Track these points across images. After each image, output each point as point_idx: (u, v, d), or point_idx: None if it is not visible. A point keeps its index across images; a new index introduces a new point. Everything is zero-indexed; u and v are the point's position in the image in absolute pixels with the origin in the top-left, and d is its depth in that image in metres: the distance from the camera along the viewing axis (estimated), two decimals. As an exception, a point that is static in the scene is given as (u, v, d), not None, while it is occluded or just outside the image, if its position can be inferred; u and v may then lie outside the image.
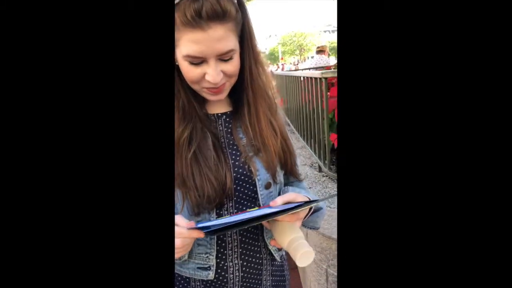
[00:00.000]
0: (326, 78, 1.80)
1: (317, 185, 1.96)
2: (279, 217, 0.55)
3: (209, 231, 0.52)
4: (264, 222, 0.62)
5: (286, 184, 0.74)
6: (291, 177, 0.76)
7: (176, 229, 0.53)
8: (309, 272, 1.94)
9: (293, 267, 2.04)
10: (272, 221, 0.59)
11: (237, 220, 0.50)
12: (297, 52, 34.79)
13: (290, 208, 0.52)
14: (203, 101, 0.66)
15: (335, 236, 1.64)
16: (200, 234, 0.54)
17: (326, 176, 2.08)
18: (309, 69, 5.43)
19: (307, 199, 0.61)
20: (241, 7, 0.58)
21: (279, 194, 0.70)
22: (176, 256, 0.55)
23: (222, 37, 0.54)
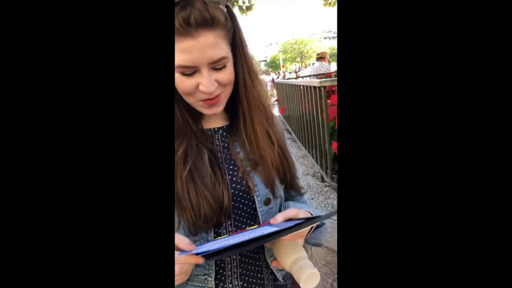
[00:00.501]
0: (325, 87, 1.77)
1: (319, 195, 1.91)
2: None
3: (208, 256, 0.49)
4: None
5: (287, 199, 0.72)
6: (292, 190, 0.73)
7: (177, 268, 0.51)
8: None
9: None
10: (273, 241, 0.56)
11: (237, 242, 0.47)
12: (298, 59, 34.99)
13: (292, 227, 0.49)
14: (198, 117, 0.64)
15: (334, 248, 1.59)
16: (199, 260, 0.51)
17: (329, 186, 2.03)
18: (310, 76, 5.42)
19: (309, 215, 0.58)
20: (231, 16, 0.57)
21: (279, 210, 0.67)
22: (176, 283, 0.52)
23: (213, 44, 0.53)
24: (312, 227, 0.60)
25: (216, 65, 0.55)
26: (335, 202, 1.82)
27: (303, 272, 0.48)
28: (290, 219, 0.57)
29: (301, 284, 0.48)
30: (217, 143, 0.65)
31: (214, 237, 0.61)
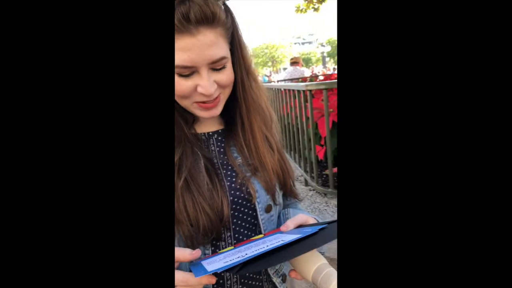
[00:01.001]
0: (310, 90, 1.76)
1: (305, 200, 1.89)
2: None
3: (229, 270, 0.44)
4: None
5: (285, 206, 0.69)
6: (290, 197, 0.71)
7: (182, 278, 0.46)
8: None
9: None
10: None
11: (258, 253, 0.43)
12: (270, 63, 35.46)
13: (310, 235, 0.46)
14: (191, 120, 0.59)
15: (327, 254, 1.58)
16: (212, 280, 0.47)
17: (313, 190, 2.03)
18: (284, 80, 5.48)
19: (316, 221, 0.56)
20: (229, 13, 0.54)
21: (278, 218, 0.65)
22: None
23: (213, 43, 0.50)
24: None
25: (216, 66, 0.51)
26: (321, 206, 1.81)
27: (331, 281, 0.45)
28: (300, 226, 0.54)
29: None
30: (213, 148, 0.61)
31: (212, 251, 0.56)
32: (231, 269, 0.42)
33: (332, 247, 1.48)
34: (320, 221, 0.58)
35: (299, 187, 2.11)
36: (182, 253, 0.48)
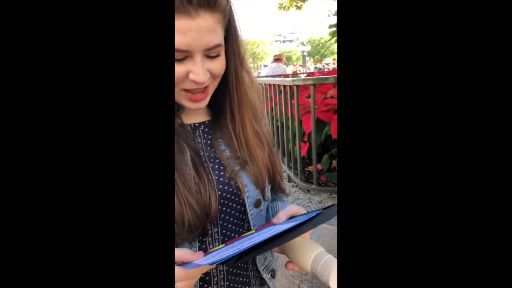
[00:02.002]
0: (297, 86, 1.75)
1: (288, 197, 1.90)
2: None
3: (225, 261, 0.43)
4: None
5: (272, 200, 0.69)
6: (277, 192, 0.71)
7: (182, 274, 0.45)
8: (280, 287, 1.86)
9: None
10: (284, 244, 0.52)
11: (248, 246, 0.42)
12: (251, 60, 35.52)
13: (303, 222, 0.45)
14: (177, 110, 0.57)
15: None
16: (211, 266, 0.49)
17: (297, 186, 2.03)
18: (267, 76, 5.46)
19: (306, 212, 0.56)
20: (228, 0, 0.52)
21: (267, 211, 0.64)
22: None
23: (212, 28, 0.48)
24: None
25: (211, 53, 0.50)
26: (304, 202, 1.81)
27: (331, 268, 0.44)
28: (292, 217, 0.53)
29: (330, 283, 0.43)
30: (199, 140, 0.59)
31: (199, 247, 0.54)
32: (228, 260, 0.41)
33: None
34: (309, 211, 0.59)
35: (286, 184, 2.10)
36: (184, 254, 0.47)
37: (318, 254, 0.47)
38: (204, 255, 0.48)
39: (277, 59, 5.96)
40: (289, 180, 2.11)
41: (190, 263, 0.46)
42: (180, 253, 0.47)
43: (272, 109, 2.52)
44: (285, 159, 2.26)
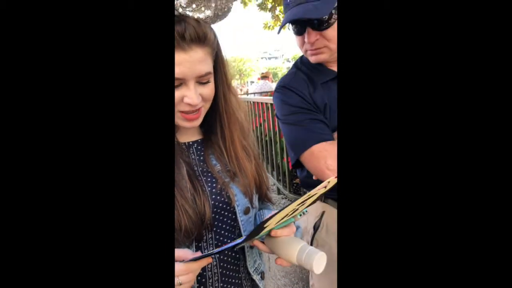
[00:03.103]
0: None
1: (277, 207, 1.98)
2: (277, 233, 0.55)
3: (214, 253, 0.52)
4: (260, 246, 0.61)
5: (260, 209, 0.74)
6: (264, 201, 0.77)
7: (184, 267, 0.52)
8: None
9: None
10: (271, 241, 0.59)
11: (241, 239, 0.50)
12: (237, 76, 35.85)
13: (277, 213, 0.52)
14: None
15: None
16: (209, 260, 0.54)
17: (286, 198, 2.12)
18: (254, 93, 5.60)
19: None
20: (215, 35, 0.61)
21: (254, 219, 0.70)
22: None
23: (202, 59, 0.56)
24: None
25: (202, 79, 0.58)
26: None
27: (312, 257, 0.51)
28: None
29: (314, 269, 0.50)
30: (193, 156, 0.66)
31: (196, 251, 0.62)
32: (221, 252, 0.50)
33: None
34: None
35: (272, 196, 2.19)
36: (184, 253, 0.54)
37: (302, 247, 0.53)
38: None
39: (264, 76, 6.13)
40: (279, 192, 2.20)
41: (191, 258, 0.53)
42: (181, 253, 0.53)
43: (261, 125, 2.64)
44: (274, 173, 2.36)
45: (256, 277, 0.68)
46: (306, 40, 0.82)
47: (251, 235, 0.51)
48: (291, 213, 0.53)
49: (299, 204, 0.51)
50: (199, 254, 0.53)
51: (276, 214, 0.48)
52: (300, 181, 0.52)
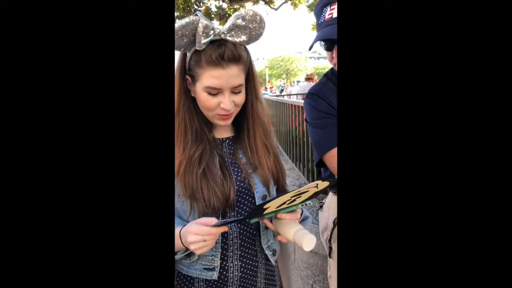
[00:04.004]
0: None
1: (309, 207, 2.11)
2: (282, 216, 0.68)
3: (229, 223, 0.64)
4: (268, 224, 0.73)
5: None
6: (282, 192, 0.87)
7: (206, 230, 0.64)
8: None
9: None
10: (276, 222, 0.71)
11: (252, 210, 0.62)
12: (284, 76, 35.79)
13: (274, 199, 0.62)
14: (211, 127, 0.80)
15: (321, 251, 1.77)
16: (226, 228, 0.65)
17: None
18: (297, 95, 5.68)
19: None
20: (248, 54, 0.75)
21: None
22: (203, 251, 0.66)
23: (236, 75, 0.70)
24: (300, 217, 0.75)
25: (235, 90, 0.71)
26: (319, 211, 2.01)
27: (304, 237, 0.63)
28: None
29: (303, 246, 0.62)
30: (224, 150, 0.80)
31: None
32: (239, 219, 0.65)
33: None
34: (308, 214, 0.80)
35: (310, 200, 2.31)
36: (210, 220, 0.66)
37: (298, 229, 0.66)
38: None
39: (309, 78, 6.19)
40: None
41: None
42: (208, 220, 0.65)
43: (296, 128, 2.77)
44: (306, 173, 2.48)
45: (268, 253, 0.81)
46: (334, 55, 0.96)
47: (252, 214, 0.64)
48: (290, 201, 0.65)
49: (294, 195, 0.63)
50: (217, 221, 0.66)
51: (273, 199, 0.60)
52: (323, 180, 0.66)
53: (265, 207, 0.61)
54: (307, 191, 0.63)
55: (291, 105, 3.02)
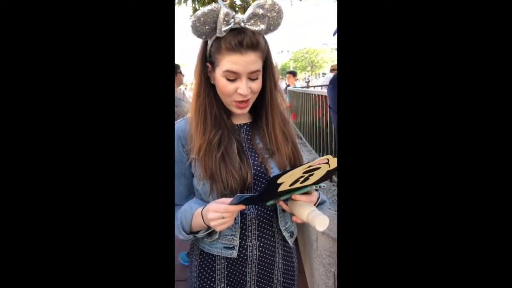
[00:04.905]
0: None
1: (328, 193, 2.12)
2: (297, 198, 0.70)
3: (246, 200, 0.66)
4: (284, 205, 0.75)
5: None
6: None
7: (224, 207, 0.68)
8: (318, 276, 2.02)
9: (301, 271, 2.16)
10: (291, 203, 0.74)
11: (259, 194, 0.64)
12: (309, 68, 35.21)
13: (285, 172, 0.63)
14: (229, 114, 0.83)
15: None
16: (242, 207, 0.69)
17: (336, 185, 2.24)
18: (321, 86, 5.62)
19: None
20: (266, 42, 0.77)
21: None
22: (223, 227, 0.70)
23: (254, 61, 0.72)
24: (317, 201, 0.77)
25: (252, 76, 0.74)
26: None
27: (317, 217, 0.66)
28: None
29: (316, 227, 0.65)
30: (242, 135, 0.84)
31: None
32: (254, 196, 0.66)
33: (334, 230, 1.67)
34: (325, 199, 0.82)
35: (324, 183, 2.32)
36: (228, 200, 0.68)
37: (312, 210, 0.69)
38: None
39: (334, 69, 6.10)
40: (331, 180, 2.33)
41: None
42: (227, 199, 0.68)
43: (320, 118, 2.76)
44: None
45: (286, 234, 0.85)
46: None
47: (265, 192, 0.65)
48: (303, 178, 0.66)
49: (306, 171, 0.63)
50: (231, 200, 0.68)
51: (285, 173, 0.61)
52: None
53: (279, 181, 0.63)
54: (319, 167, 0.64)
55: (315, 95, 3.01)
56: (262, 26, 0.72)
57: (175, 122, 0.85)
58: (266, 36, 0.78)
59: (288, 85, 5.77)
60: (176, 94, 2.36)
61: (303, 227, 1.98)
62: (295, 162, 0.85)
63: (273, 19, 0.73)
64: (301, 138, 3.87)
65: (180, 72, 2.59)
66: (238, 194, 0.66)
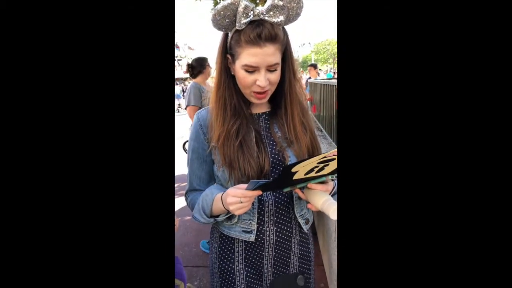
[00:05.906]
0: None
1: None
2: (313, 186, 0.72)
3: (260, 186, 0.69)
4: (300, 193, 0.76)
5: None
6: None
7: (241, 192, 0.70)
8: (336, 266, 2.05)
9: (320, 263, 2.17)
10: (307, 191, 0.75)
11: (274, 180, 0.67)
12: (331, 60, 34.54)
13: (300, 162, 0.64)
14: (249, 104, 0.84)
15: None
16: (259, 192, 0.71)
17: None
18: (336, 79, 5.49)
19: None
20: (286, 34, 0.77)
21: None
22: (241, 211, 0.72)
23: (272, 53, 0.73)
24: (333, 190, 0.77)
25: (270, 68, 0.74)
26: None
27: (331, 206, 0.68)
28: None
29: (330, 215, 0.66)
30: (261, 124, 0.85)
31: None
32: (268, 183, 0.68)
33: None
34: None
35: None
36: (246, 186, 0.70)
37: (326, 199, 0.70)
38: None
39: (355, 61, 5.95)
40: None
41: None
42: (245, 185, 0.70)
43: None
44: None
45: (301, 221, 0.87)
46: None
47: (278, 180, 0.66)
48: (318, 169, 0.67)
49: (321, 162, 0.64)
50: (247, 186, 0.70)
51: (299, 162, 0.63)
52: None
53: (293, 170, 0.64)
54: (333, 158, 0.65)
55: (335, 86, 2.98)
56: (281, 18, 0.72)
57: (198, 111, 0.88)
58: (286, 27, 0.78)
59: (309, 78, 5.71)
60: (205, 86, 2.42)
61: (322, 218, 1.97)
62: (313, 152, 0.86)
63: (293, 9, 0.73)
64: (321, 131, 3.86)
65: (209, 65, 2.62)
66: (253, 180, 0.68)
